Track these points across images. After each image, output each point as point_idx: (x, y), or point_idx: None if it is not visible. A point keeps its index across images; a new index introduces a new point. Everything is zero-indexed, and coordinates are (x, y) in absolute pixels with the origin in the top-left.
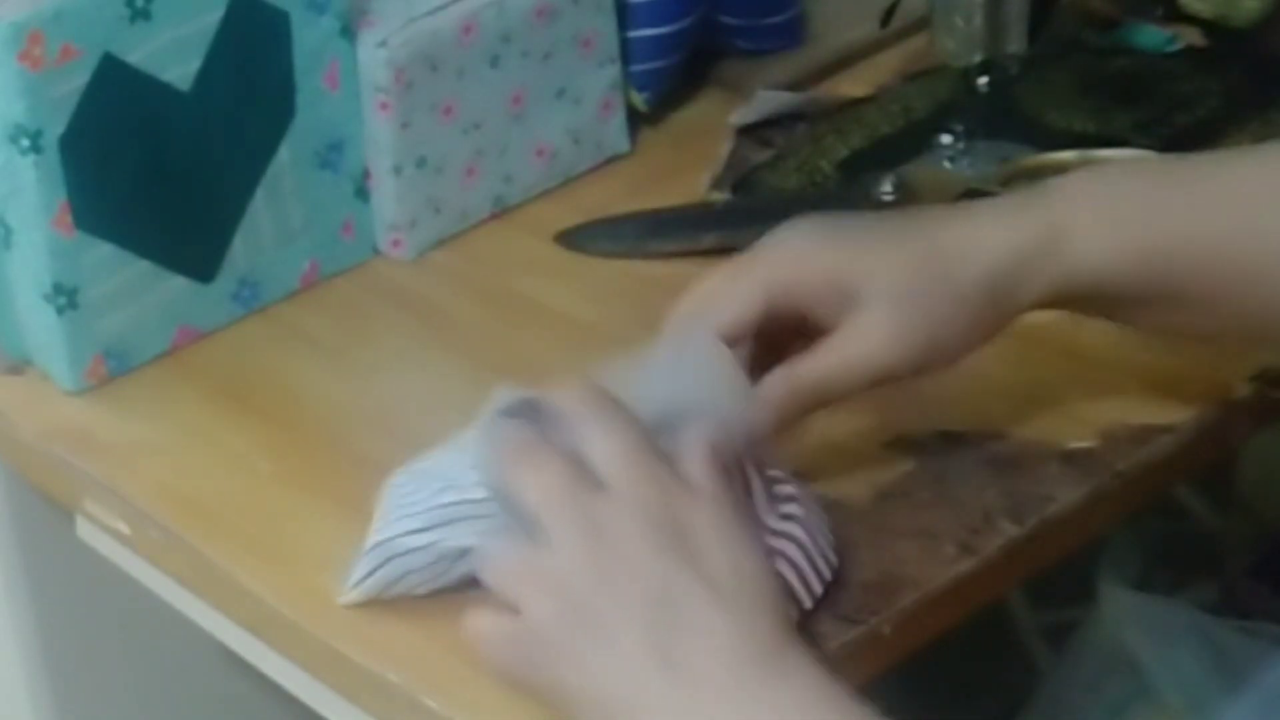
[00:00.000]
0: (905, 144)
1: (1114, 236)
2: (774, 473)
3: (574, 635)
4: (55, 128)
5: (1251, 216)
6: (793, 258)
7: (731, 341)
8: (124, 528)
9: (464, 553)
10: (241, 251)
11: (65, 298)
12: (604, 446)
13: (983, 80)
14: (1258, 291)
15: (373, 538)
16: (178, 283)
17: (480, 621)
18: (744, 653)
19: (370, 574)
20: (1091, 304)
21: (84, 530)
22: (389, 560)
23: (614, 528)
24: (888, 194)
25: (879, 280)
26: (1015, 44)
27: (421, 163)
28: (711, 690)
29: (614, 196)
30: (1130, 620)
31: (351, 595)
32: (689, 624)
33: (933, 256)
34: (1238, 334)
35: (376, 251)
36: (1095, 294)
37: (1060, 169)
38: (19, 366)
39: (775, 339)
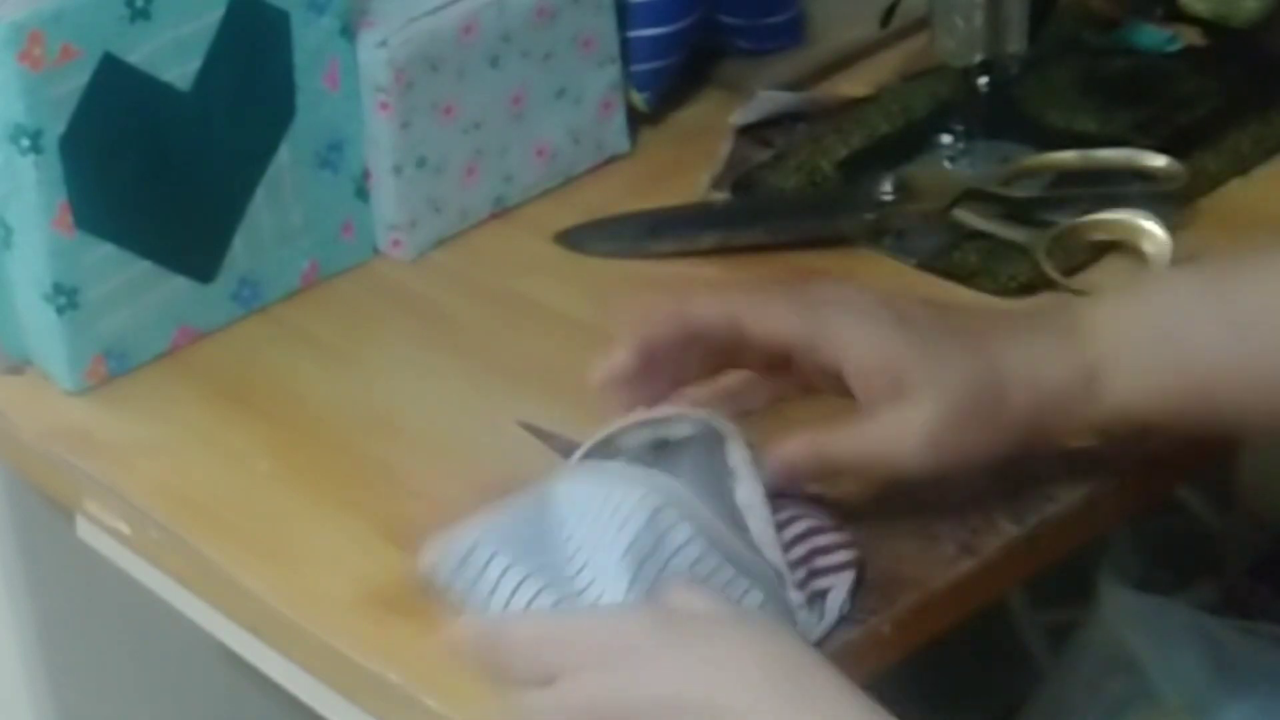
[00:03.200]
0: (905, 144)
1: (1153, 380)
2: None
3: None
4: (55, 128)
5: None
6: (861, 328)
7: (761, 352)
8: (124, 527)
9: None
10: (241, 251)
11: (65, 298)
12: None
13: (983, 80)
14: None
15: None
16: (178, 283)
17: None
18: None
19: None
20: (1159, 429)
21: (84, 530)
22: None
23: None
24: (888, 194)
25: (937, 384)
26: (1015, 44)
27: (421, 163)
28: None
29: (614, 196)
30: (1130, 620)
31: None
32: None
33: (991, 380)
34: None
35: (376, 251)
36: (1137, 428)
37: (1060, 169)
38: (19, 366)
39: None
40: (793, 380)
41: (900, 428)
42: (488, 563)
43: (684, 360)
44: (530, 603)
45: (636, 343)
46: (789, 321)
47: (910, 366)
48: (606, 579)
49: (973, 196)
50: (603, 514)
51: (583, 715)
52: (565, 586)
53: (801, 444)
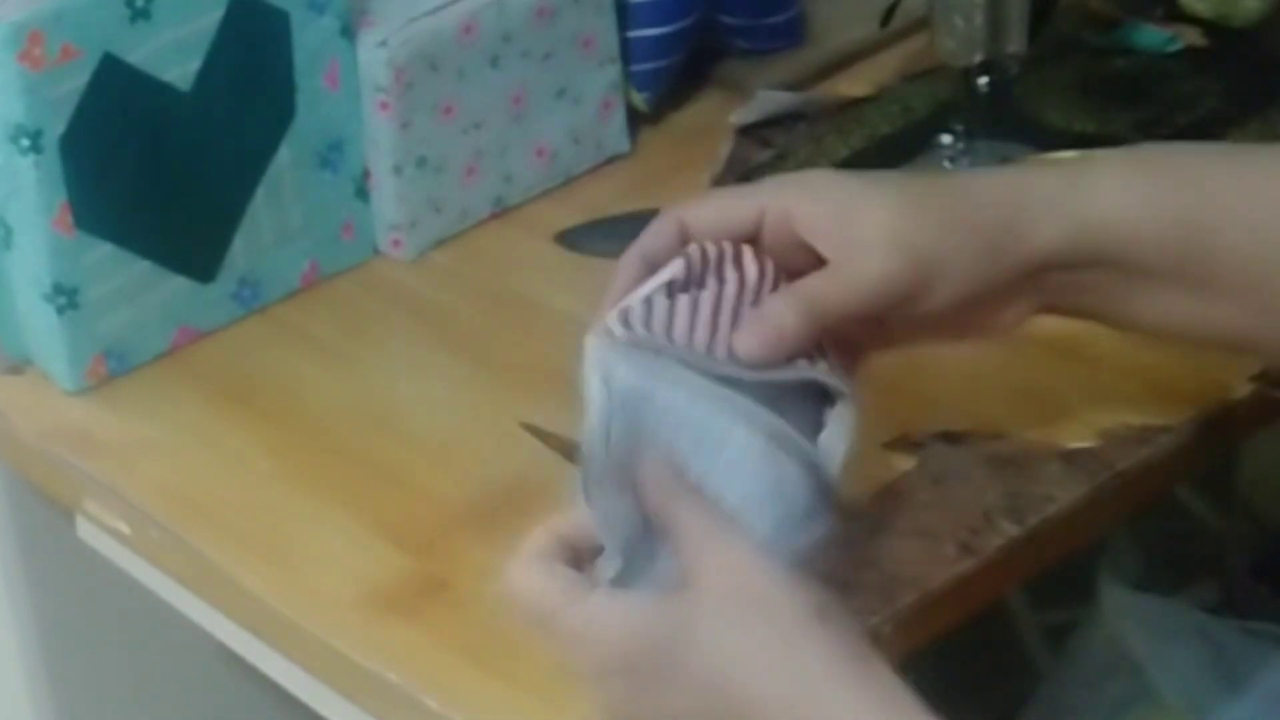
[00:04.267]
0: (905, 144)
1: (1148, 196)
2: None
3: None
4: (55, 128)
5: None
6: (786, 181)
7: (717, 234)
8: (124, 528)
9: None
10: (241, 251)
11: (65, 298)
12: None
13: (983, 80)
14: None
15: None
16: (178, 283)
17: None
18: None
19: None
20: (1111, 271)
21: (84, 530)
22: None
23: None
24: None
25: (885, 197)
26: (1015, 44)
27: (421, 163)
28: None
29: (614, 196)
30: (1130, 620)
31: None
32: None
33: (941, 188)
34: (1245, 337)
35: (376, 251)
36: (1118, 257)
37: None
38: (19, 366)
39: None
40: None
41: (864, 246)
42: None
43: None
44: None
45: (635, 256)
46: (738, 206)
47: (855, 194)
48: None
49: None
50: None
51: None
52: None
53: (788, 306)
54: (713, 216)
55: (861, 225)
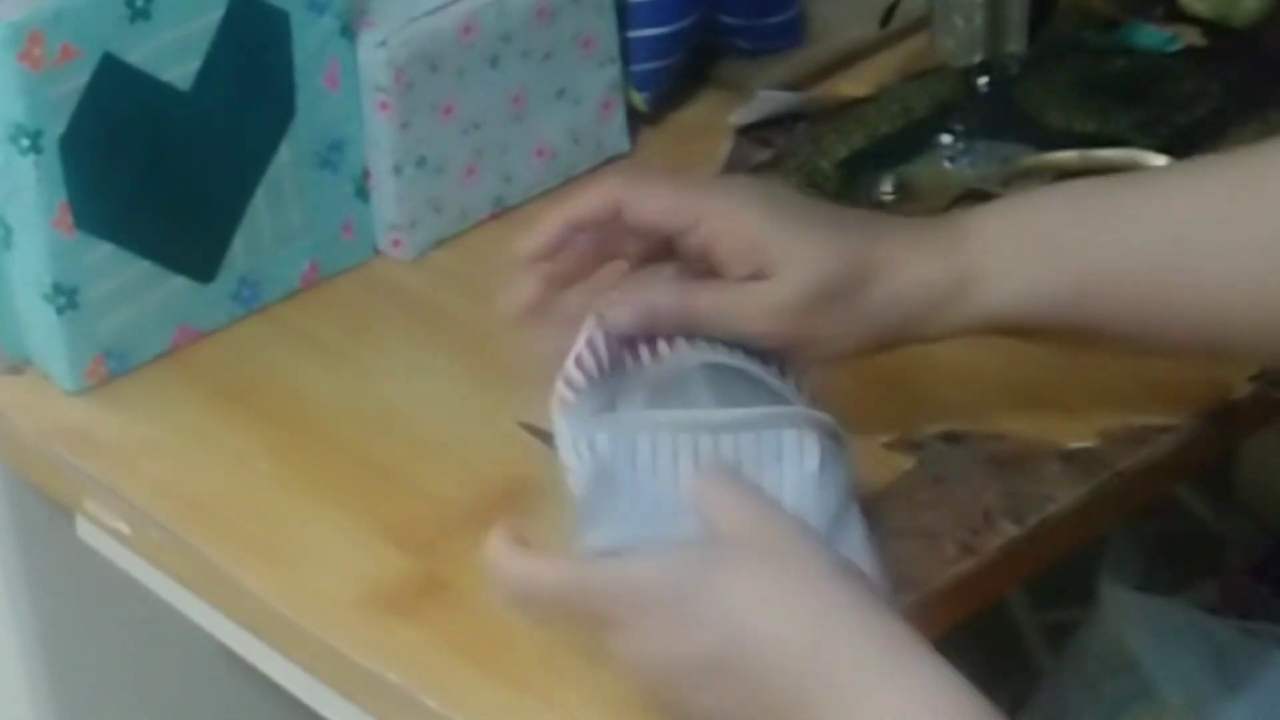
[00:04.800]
0: (905, 144)
1: (1029, 279)
2: None
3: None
4: (55, 128)
5: (1175, 241)
6: (730, 204)
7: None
8: (124, 528)
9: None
10: (241, 251)
11: (65, 298)
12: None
13: (983, 80)
14: (1186, 315)
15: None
16: (178, 283)
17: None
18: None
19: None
20: (1020, 336)
21: (84, 530)
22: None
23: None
24: (888, 194)
25: (796, 262)
26: (1015, 44)
27: (421, 163)
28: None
29: None
30: (1130, 620)
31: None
32: None
33: (853, 265)
34: (1176, 353)
35: (376, 251)
36: (1017, 330)
37: (1060, 169)
38: (19, 366)
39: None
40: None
41: (753, 298)
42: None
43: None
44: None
45: (562, 221)
46: (669, 202)
47: (773, 244)
48: None
49: (973, 196)
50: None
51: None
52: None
53: (669, 293)
54: (649, 212)
55: (771, 287)
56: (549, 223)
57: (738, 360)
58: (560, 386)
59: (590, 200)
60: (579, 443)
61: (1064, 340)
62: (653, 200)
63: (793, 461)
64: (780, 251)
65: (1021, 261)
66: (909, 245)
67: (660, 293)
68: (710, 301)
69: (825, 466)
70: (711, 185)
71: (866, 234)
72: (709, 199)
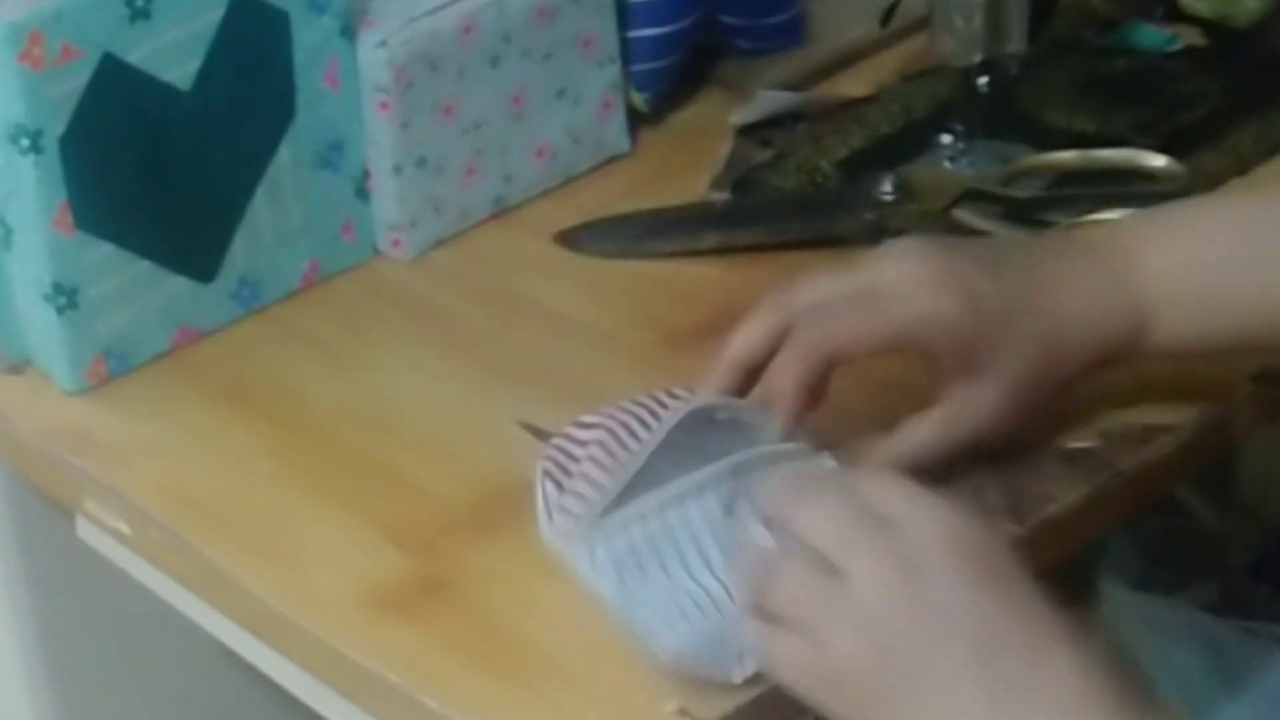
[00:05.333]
0: (905, 144)
1: (1194, 325)
2: None
3: (892, 676)
4: (55, 128)
5: None
6: (923, 307)
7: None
8: (124, 528)
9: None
10: (241, 251)
11: (65, 298)
12: (879, 487)
13: (983, 80)
14: None
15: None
16: (178, 283)
17: (780, 646)
18: (1094, 707)
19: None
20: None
21: (84, 530)
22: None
23: (921, 561)
24: (888, 194)
25: (1003, 359)
26: (1015, 44)
27: (421, 163)
28: None
29: (614, 196)
30: (1130, 620)
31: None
32: (1023, 674)
33: (1054, 343)
34: None
35: (376, 251)
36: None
37: (1060, 169)
38: (19, 366)
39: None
40: None
41: (973, 407)
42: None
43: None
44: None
45: (732, 363)
46: (870, 337)
47: (978, 341)
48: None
49: (973, 196)
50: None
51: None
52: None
53: (885, 451)
54: (852, 349)
55: (984, 394)
56: (722, 374)
57: (710, 399)
58: (565, 506)
59: (755, 338)
60: (584, 561)
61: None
62: (850, 336)
63: None
64: (984, 351)
65: (1186, 305)
66: (1096, 302)
67: (877, 455)
68: (929, 434)
69: None
70: (889, 291)
71: (1054, 299)
72: (905, 318)
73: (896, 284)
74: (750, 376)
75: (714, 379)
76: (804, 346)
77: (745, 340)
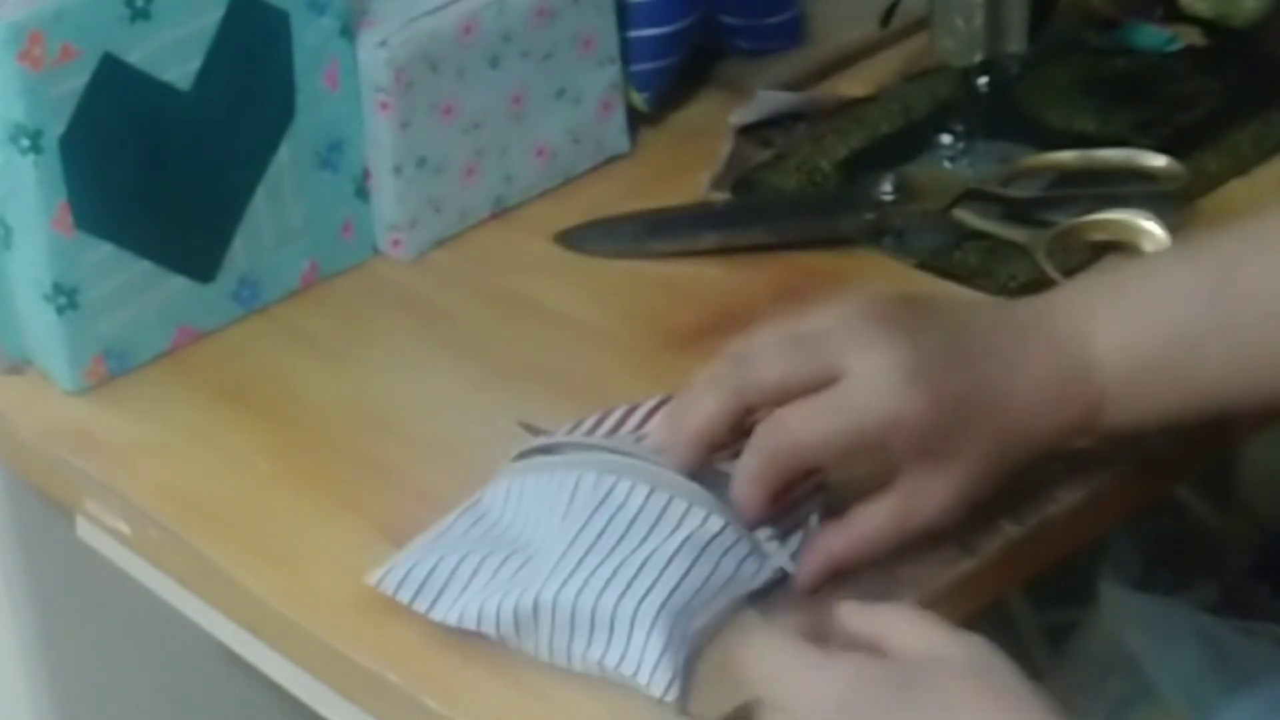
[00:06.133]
0: (905, 144)
1: (1156, 401)
2: None
3: None
4: (55, 128)
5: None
6: (892, 409)
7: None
8: (124, 528)
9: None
10: (241, 251)
11: (65, 298)
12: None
13: (983, 80)
14: None
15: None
16: (178, 283)
17: None
18: None
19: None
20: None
21: (84, 530)
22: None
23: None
24: (888, 194)
25: (964, 450)
26: (1015, 44)
27: (421, 163)
28: None
29: (614, 196)
30: (1130, 620)
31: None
32: None
33: (1011, 436)
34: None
35: (376, 251)
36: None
37: (1060, 169)
38: (19, 366)
39: None
40: None
41: (929, 498)
42: (453, 570)
43: None
44: (495, 572)
45: (692, 443)
46: (830, 428)
47: (939, 437)
48: (550, 541)
49: (973, 196)
50: (543, 495)
51: None
52: (522, 552)
53: (837, 535)
54: (813, 454)
55: (943, 485)
56: (684, 453)
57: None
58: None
59: (713, 418)
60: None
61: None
62: (817, 443)
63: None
64: (940, 445)
65: (1147, 384)
66: (1050, 392)
67: (828, 537)
68: (882, 521)
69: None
70: (859, 384)
71: (1008, 389)
72: (875, 423)
73: (865, 381)
74: (710, 450)
75: (676, 456)
76: (768, 457)
77: (704, 421)
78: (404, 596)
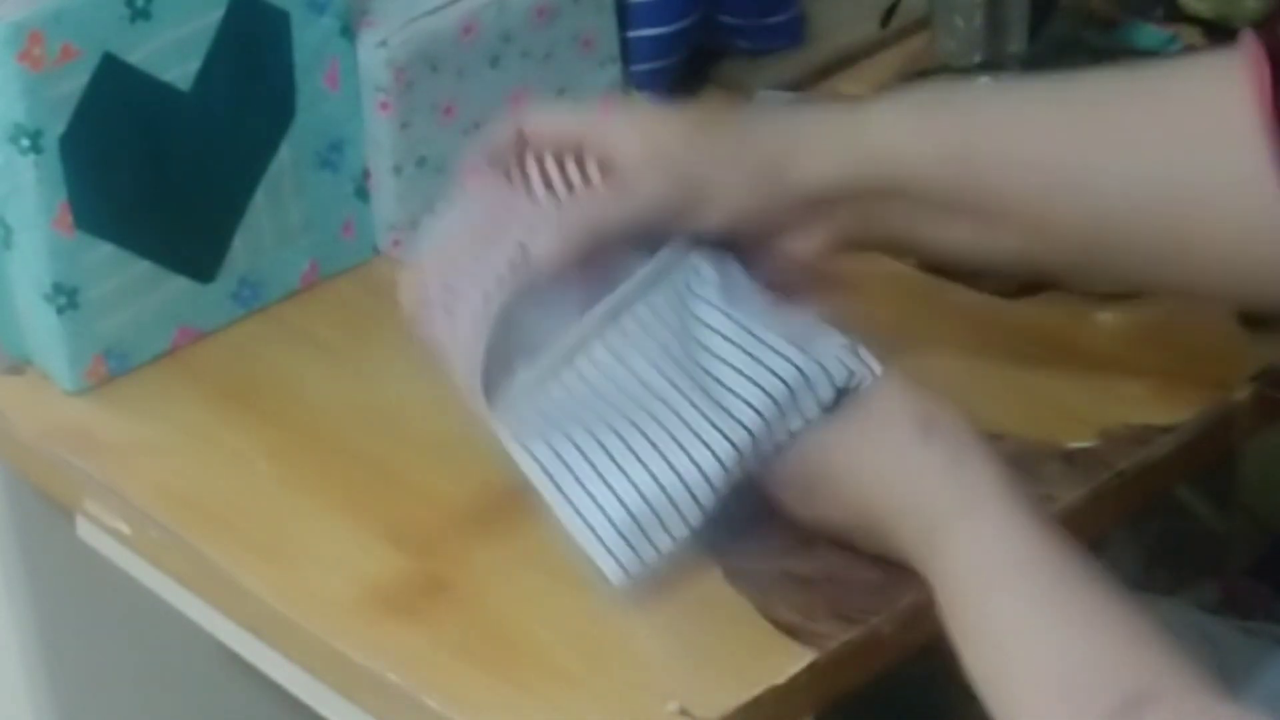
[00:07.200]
0: None
1: (922, 131)
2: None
3: None
4: (55, 128)
5: (1088, 143)
6: (622, 120)
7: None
8: (124, 528)
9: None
10: (241, 251)
11: (65, 298)
12: None
13: (983, 80)
14: (1077, 217)
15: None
16: (178, 283)
17: None
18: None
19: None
20: (894, 201)
21: (84, 530)
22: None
23: None
24: None
25: (668, 137)
26: (1015, 44)
27: (421, 163)
28: None
29: None
30: None
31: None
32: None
33: (726, 123)
34: (1023, 260)
35: (376, 251)
36: (898, 188)
37: None
38: (19, 366)
39: None
40: None
41: (643, 169)
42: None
43: None
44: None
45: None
46: (569, 125)
47: (655, 126)
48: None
49: None
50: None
51: None
52: None
53: (577, 224)
54: (547, 131)
55: (648, 152)
56: (473, 166)
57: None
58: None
59: (499, 139)
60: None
61: (943, 222)
62: (546, 120)
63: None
64: (658, 129)
65: (912, 113)
66: (816, 144)
67: (569, 217)
68: (601, 210)
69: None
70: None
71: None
72: (593, 113)
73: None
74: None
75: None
76: (566, 230)
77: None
78: None
